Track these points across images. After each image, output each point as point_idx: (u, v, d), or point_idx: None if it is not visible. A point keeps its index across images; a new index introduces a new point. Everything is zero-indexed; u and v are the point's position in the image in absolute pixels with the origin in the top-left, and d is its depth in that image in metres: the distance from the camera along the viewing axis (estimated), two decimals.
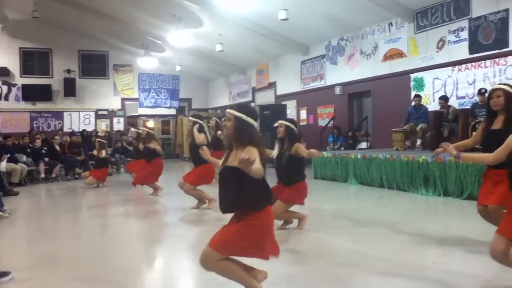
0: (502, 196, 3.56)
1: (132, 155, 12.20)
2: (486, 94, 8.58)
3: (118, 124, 20.77)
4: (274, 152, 5.35)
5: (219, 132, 9.42)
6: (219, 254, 2.96)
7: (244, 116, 3.12)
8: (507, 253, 2.89)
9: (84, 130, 18.23)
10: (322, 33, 13.66)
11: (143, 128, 9.47)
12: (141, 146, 9.65)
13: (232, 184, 3.06)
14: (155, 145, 8.79)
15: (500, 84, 4.19)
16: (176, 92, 20.74)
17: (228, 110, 3.21)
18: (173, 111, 21.44)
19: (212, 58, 18.45)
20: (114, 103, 20.83)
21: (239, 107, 3.22)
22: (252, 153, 2.90)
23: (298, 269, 3.99)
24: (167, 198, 8.46)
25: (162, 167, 8.91)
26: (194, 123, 7.09)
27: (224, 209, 3.13)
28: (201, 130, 7.06)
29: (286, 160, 5.21)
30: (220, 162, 3.16)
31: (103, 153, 10.85)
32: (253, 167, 2.80)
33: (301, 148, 5.19)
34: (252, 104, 18.71)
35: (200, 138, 6.95)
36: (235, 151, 3.08)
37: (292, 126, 5.29)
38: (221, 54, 16.89)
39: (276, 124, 5.41)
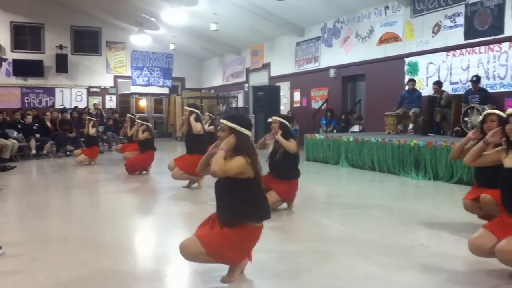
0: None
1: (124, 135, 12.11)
2: (480, 84, 8.76)
3: (110, 102, 20.61)
4: (270, 148, 5.35)
5: (212, 127, 9.38)
6: (202, 248, 3.00)
7: (237, 127, 3.13)
8: (488, 250, 3.01)
9: (76, 107, 18.07)
10: (318, 14, 13.54)
11: (139, 121, 9.06)
12: (131, 133, 9.56)
13: (228, 192, 3.11)
14: (146, 135, 8.63)
15: (494, 109, 4.16)
16: (169, 71, 20.56)
17: (222, 121, 3.22)
18: (166, 90, 21.30)
19: (206, 38, 18.26)
20: (106, 81, 20.62)
21: (233, 117, 3.22)
22: (238, 162, 3.02)
23: (288, 249, 4.03)
24: (159, 177, 8.47)
25: (153, 159, 8.84)
26: (191, 112, 7.05)
27: (221, 219, 3.14)
28: (198, 119, 7.06)
29: (280, 156, 5.22)
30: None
31: (93, 131, 10.77)
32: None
33: (286, 144, 5.15)
34: (246, 85, 18.65)
35: (197, 127, 6.96)
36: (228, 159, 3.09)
37: (287, 123, 5.27)
38: (216, 33, 16.71)
39: (270, 120, 5.37)
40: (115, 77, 20.79)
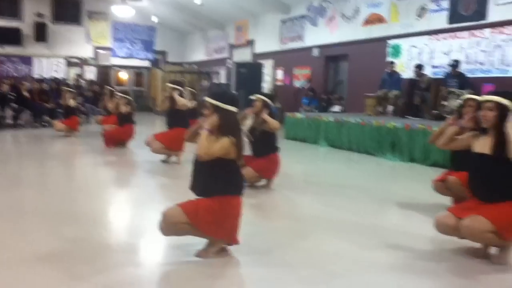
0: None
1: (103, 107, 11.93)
2: (458, 69, 8.86)
3: (90, 73, 20.20)
4: (247, 124, 5.33)
5: (195, 102, 9.31)
6: (186, 218, 3.00)
7: (222, 105, 3.10)
8: (452, 227, 3.12)
9: (54, 77, 17.69)
10: None
11: (119, 95, 8.87)
12: (110, 106, 9.39)
13: (205, 169, 3.09)
14: (127, 109, 8.51)
15: (473, 94, 4.20)
16: (151, 43, 20.25)
17: (206, 99, 3.17)
18: (147, 63, 20.98)
19: (190, 11, 17.94)
20: (86, 51, 20.15)
21: (216, 95, 3.19)
22: (223, 144, 3.01)
23: (264, 226, 4.08)
24: (137, 150, 8.40)
25: (132, 133, 8.71)
26: (174, 89, 6.97)
27: (197, 192, 3.17)
28: (181, 96, 7.01)
29: (258, 135, 5.21)
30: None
31: (72, 102, 10.57)
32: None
33: (271, 122, 5.14)
34: (229, 61, 18.48)
35: (182, 101, 6.90)
36: (211, 136, 3.08)
37: (270, 101, 5.24)
38: (200, 7, 16.42)
39: (253, 97, 5.34)
40: (95, 48, 20.33)
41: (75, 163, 7.50)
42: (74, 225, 3.86)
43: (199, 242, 3.21)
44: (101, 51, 20.39)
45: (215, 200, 3.07)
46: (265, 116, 5.15)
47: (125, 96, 8.63)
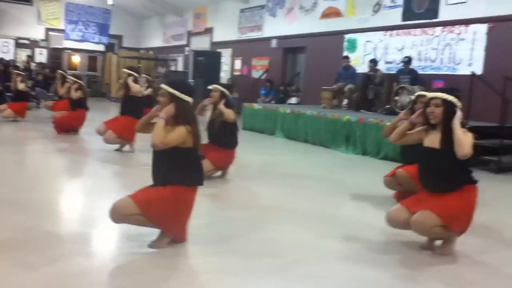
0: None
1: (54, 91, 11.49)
2: (411, 66, 9.15)
3: (41, 56, 19.37)
4: (207, 116, 5.30)
5: (150, 89, 9.13)
6: (138, 209, 2.97)
7: (178, 93, 3.07)
8: (403, 222, 3.23)
9: (1, 58, 16.83)
10: None
11: (70, 77, 8.53)
12: (62, 91, 9.04)
13: (164, 158, 3.07)
14: (79, 94, 8.24)
15: (424, 90, 4.34)
16: (106, 27, 19.66)
17: (162, 86, 3.13)
18: (101, 47, 20.37)
19: None
20: (37, 33, 19.30)
21: (174, 83, 3.16)
22: (179, 133, 3.00)
23: (220, 216, 4.10)
24: (90, 138, 8.16)
25: (84, 119, 8.45)
26: (129, 75, 6.81)
27: (155, 181, 3.14)
28: (135, 82, 6.85)
29: (218, 125, 5.19)
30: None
31: (22, 86, 10.12)
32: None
33: (226, 112, 5.12)
34: (186, 49, 18.23)
35: (136, 88, 6.77)
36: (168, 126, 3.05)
37: (227, 92, 5.23)
38: None
39: (210, 87, 5.30)
40: (47, 30, 19.52)
41: (25, 150, 7.21)
42: (24, 214, 3.73)
43: (152, 232, 3.19)
44: (53, 33, 19.59)
45: (170, 190, 3.05)
46: (221, 106, 5.14)
47: (77, 80, 8.34)
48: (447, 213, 3.15)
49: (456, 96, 3.22)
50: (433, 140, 3.29)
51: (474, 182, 3.28)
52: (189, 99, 3.13)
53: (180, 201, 3.09)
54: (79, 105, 8.29)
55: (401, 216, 3.28)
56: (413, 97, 4.56)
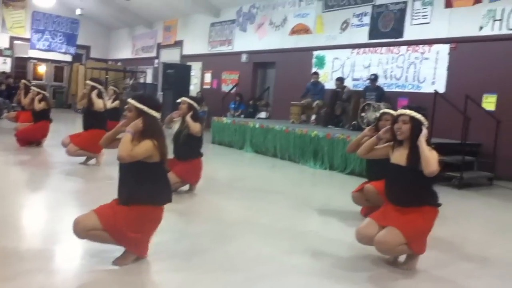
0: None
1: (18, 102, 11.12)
2: (377, 83, 9.38)
3: (4, 65, 18.82)
4: (174, 128, 5.28)
5: (117, 101, 9.00)
6: (99, 224, 2.91)
7: (145, 108, 3.05)
8: (373, 237, 3.26)
9: None
10: None
11: (34, 88, 8.25)
12: (25, 102, 8.76)
13: (131, 174, 3.03)
14: (43, 106, 8.02)
15: (389, 109, 4.46)
16: (74, 37, 19.34)
17: (129, 101, 3.11)
18: (68, 58, 19.99)
19: (117, 6, 17.39)
20: (1, 41, 18.77)
21: (141, 98, 3.14)
22: (146, 146, 2.97)
23: (186, 230, 4.05)
24: (53, 150, 7.95)
25: (47, 131, 8.22)
26: (93, 87, 6.70)
27: (121, 197, 3.09)
28: (100, 96, 6.74)
29: (184, 138, 5.17)
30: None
31: None
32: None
33: (192, 125, 5.12)
34: (156, 61, 18.12)
35: (99, 104, 6.67)
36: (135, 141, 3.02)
37: (195, 105, 5.22)
38: (128, 3, 16.01)
39: (179, 100, 5.28)
40: (12, 38, 19.00)
41: None
42: None
43: (117, 249, 3.12)
44: (18, 42, 19.11)
45: (137, 210, 3.00)
46: (188, 118, 5.13)
47: (40, 91, 8.11)
48: (411, 232, 3.22)
49: (423, 115, 3.31)
50: (399, 156, 3.36)
51: (437, 205, 3.36)
52: (156, 114, 3.12)
53: (147, 221, 3.06)
54: (42, 117, 8.07)
55: (370, 231, 3.32)
56: (377, 114, 4.66)
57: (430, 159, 3.14)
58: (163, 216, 3.18)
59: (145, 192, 3.02)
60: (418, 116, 3.28)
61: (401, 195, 3.33)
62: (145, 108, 3.06)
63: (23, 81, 9.78)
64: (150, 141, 3.00)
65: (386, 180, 3.55)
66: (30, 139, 8.16)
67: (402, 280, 3.23)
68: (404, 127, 3.30)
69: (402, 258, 3.48)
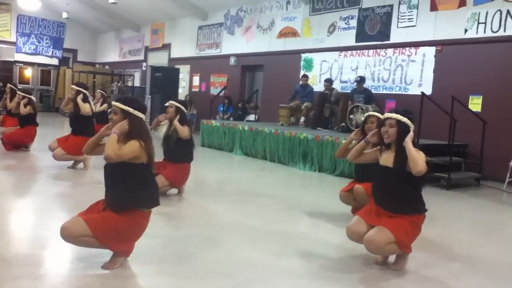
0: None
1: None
2: (364, 85, 9.44)
3: None
4: (162, 132, 5.26)
5: (105, 105, 8.96)
6: (88, 230, 2.89)
7: (131, 110, 3.04)
8: (363, 234, 3.29)
9: None
10: (222, 0, 13.54)
11: (20, 94, 8.09)
12: (11, 106, 8.64)
13: (118, 176, 3.01)
14: (29, 110, 7.93)
15: (374, 111, 4.51)
16: (60, 40, 19.22)
17: (114, 103, 3.09)
18: (55, 61, 19.85)
19: (103, 9, 17.29)
20: None
21: (126, 100, 3.13)
22: (133, 147, 2.95)
23: (174, 235, 4.03)
24: (40, 154, 7.87)
25: (34, 136, 8.15)
26: (78, 92, 6.64)
27: (108, 205, 3.06)
28: (85, 100, 6.69)
29: (174, 141, 5.16)
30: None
31: None
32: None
33: (180, 129, 5.10)
34: (144, 65, 18.05)
35: (86, 108, 6.63)
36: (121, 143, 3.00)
37: (183, 108, 5.21)
38: (114, 6, 15.92)
39: (167, 104, 5.27)
40: None
41: None
42: None
43: (105, 253, 3.09)
44: (3, 45, 18.92)
45: (124, 216, 2.98)
46: (176, 122, 5.12)
47: (26, 95, 8.01)
48: (400, 232, 3.25)
49: (409, 118, 3.34)
50: (387, 159, 3.40)
51: (424, 211, 3.39)
52: (142, 115, 3.11)
53: (135, 225, 3.04)
54: (28, 121, 7.97)
55: (360, 228, 3.34)
56: (363, 118, 4.70)
57: (417, 159, 3.17)
58: (149, 220, 3.16)
59: (132, 196, 3.00)
60: (405, 119, 3.32)
61: (388, 198, 3.35)
62: (130, 110, 3.05)
63: (9, 85, 9.67)
64: (136, 141, 2.98)
65: (373, 182, 3.57)
66: (17, 143, 8.06)
67: (392, 280, 3.25)
68: (391, 130, 3.33)
69: (392, 258, 3.50)
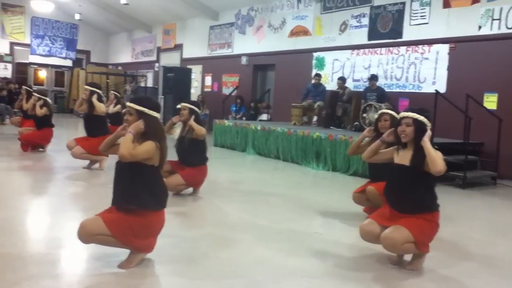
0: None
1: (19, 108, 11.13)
2: (377, 83, 9.38)
3: (5, 71, 18.88)
4: (176, 133, 5.27)
5: (119, 106, 9.02)
6: (106, 229, 2.91)
7: (146, 110, 3.06)
8: (376, 235, 3.28)
9: None
10: (233, 0, 13.56)
11: (35, 95, 8.22)
12: (27, 106, 8.76)
13: (126, 177, 3.02)
14: (45, 111, 8.04)
15: (388, 109, 4.50)
16: (74, 42, 19.40)
17: (128, 104, 3.11)
18: (69, 62, 20.04)
19: (115, 10, 17.43)
20: (1, 47, 18.82)
21: (140, 100, 3.14)
22: (148, 147, 2.97)
23: (187, 234, 4.05)
24: (56, 155, 7.98)
25: (51, 137, 8.26)
26: (92, 92, 6.69)
27: (115, 202, 3.08)
28: (100, 100, 6.75)
29: (187, 143, 5.17)
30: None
31: None
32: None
33: (197, 128, 5.11)
34: (156, 65, 18.15)
35: (101, 107, 6.69)
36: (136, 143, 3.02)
37: (196, 109, 5.22)
38: (126, 7, 16.03)
39: (179, 106, 5.27)
40: (12, 44, 19.07)
41: None
42: None
43: (121, 252, 3.12)
44: (18, 48, 19.17)
45: (137, 215, 3.00)
46: (192, 122, 5.13)
47: (41, 97, 8.11)
48: (418, 232, 3.22)
49: (426, 117, 3.30)
50: (403, 158, 3.36)
51: (437, 208, 3.35)
52: (157, 114, 3.12)
53: (147, 224, 3.06)
54: (44, 123, 8.06)
55: (373, 229, 3.34)
56: (376, 116, 4.67)
57: (436, 159, 3.13)
58: (164, 216, 3.18)
59: (136, 196, 3.00)
60: (421, 118, 3.28)
61: (402, 198, 3.32)
62: (145, 110, 3.07)
63: (24, 87, 9.80)
64: (153, 142, 3.00)
65: (387, 181, 3.54)
66: (34, 144, 8.16)
67: (407, 279, 3.23)
68: (408, 129, 3.30)
69: (407, 257, 3.48)
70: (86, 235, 2.93)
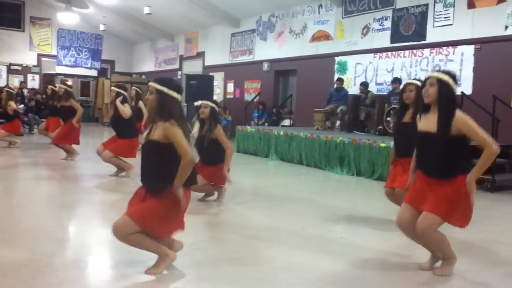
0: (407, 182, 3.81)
1: (46, 116, 11.46)
2: (401, 86, 9.21)
3: (33, 82, 19.40)
4: (194, 132, 5.30)
5: (140, 102, 9.16)
6: (136, 226, 2.95)
7: (166, 90, 3.09)
8: (412, 222, 3.19)
9: None
10: (253, 7, 13.63)
11: (61, 85, 8.85)
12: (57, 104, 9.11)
13: (153, 158, 3.05)
14: (72, 104, 8.31)
15: (413, 79, 4.44)
16: (98, 52, 19.79)
17: (150, 83, 3.17)
18: (94, 72, 20.46)
19: (138, 21, 17.72)
20: (29, 59, 19.37)
21: (161, 80, 3.17)
22: (174, 132, 2.96)
23: (212, 240, 4.07)
24: (83, 164, 8.14)
25: (79, 127, 8.48)
26: (118, 94, 6.81)
27: (144, 183, 3.13)
28: (124, 101, 6.86)
29: (208, 142, 5.18)
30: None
31: (13, 105, 9.97)
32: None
33: (222, 138, 5.16)
34: (179, 73, 18.36)
35: (126, 112, 6.76)
36: (157, 125, 3.06)
37: (217, 108, 5.25)
38: (149, 17, 16.28)
39: (198, 103, 5.25)
40: (39, 56, 19.60)
41: (16, 176, 7.13)
42: (13, 242, 3.68)
43: (149, 259, 3.16)
44: (45, 59, 19.68)
45: (164, 198, 3.01)
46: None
47: (62, 86, 8.57)
48: (445, 208, 3.10)
49: (452, 77, 3.16)
50: (427, 123, 3.20)
51: (468, 171, 3.14)
52: (177, 95, 3.13)
53: (171, 207, 3.03)
54: (70, 114, 8.26)
55: (406, 216, 3.27)
56: (401, 87, 4.61)
57: (486, 138, 3.04)
58: (190, 197, 3.18)
59: (169, 175, 3.00)
60: (446, 77, 3.14)
61: (433, 164, 3.17)
62: (165, 89, 3.08)
63: (50, 86, 10.19)
64: (177, 128, 3.00)
65: (416, 150, 3.40)
66: (68, 143, 8.36)
67: (437, 285, 3.17)
68: (431, 89, 3.15)
69: (437, 264, 3.41)
70: (119, 236, 2.99)
